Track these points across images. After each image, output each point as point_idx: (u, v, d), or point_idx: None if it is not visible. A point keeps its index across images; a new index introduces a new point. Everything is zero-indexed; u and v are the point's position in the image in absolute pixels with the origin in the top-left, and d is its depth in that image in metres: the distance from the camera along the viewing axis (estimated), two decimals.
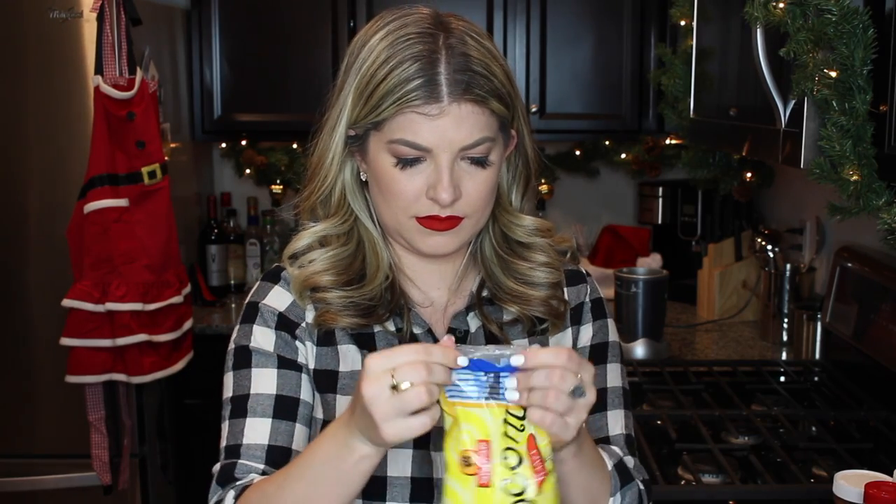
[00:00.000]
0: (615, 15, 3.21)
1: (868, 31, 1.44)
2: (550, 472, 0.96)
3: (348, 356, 1.20)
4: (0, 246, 2.76)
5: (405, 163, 1.11)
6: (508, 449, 0.94)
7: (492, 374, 0.95)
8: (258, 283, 1.25)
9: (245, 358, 1.19)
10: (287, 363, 1.18)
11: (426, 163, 1.11)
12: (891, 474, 1.46)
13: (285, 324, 1.19)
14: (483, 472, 0.93)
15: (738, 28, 1.97)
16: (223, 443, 1.17)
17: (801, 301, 2.74)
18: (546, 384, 0.94)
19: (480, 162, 1.12)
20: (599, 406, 1.24)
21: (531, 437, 0.95)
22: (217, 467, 1.16)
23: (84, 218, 2.54)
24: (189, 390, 3.00)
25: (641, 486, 1.22)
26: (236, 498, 1.10)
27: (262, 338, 1.19)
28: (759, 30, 1.73)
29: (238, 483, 1.12)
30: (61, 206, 2.66)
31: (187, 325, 2.77)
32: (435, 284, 1.25)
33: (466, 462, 0.94)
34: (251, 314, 1.21)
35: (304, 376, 1.19)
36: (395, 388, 0.92)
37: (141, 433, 2.82)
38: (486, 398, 0.95)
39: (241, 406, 1.17)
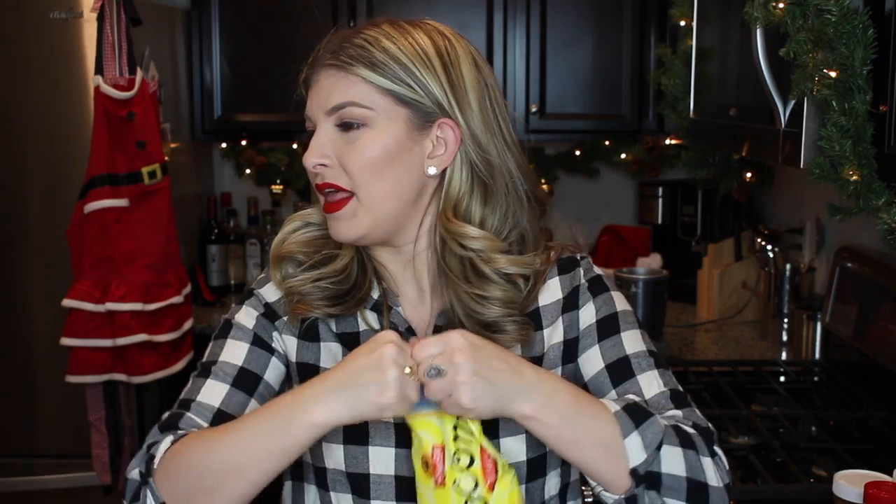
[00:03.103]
0: (615, 15, 3.21)
1: (868, 31, 1.44)
2: (504, 473, 1.05)
3: (330, 353, 1.23)
4: (0, 246, 2.76)
5: (310, 136, 1.18)
6: (461, 451, 1.04)
7: None
8: (263, 272, 1.31)
9: (225, 330, 1.25)
10: (261, 342, 1.23)
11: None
12: (891, 474, 1.46)
13: (270, 313, 1.25)
14: (438, 472, 1.04)
15: (738, 28, 1.97)
16: (180, 396, 1.21)
17: (801, 301, 2.74)
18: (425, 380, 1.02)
19: (346, 126, 1.14)
20: (626, 374, 1.19)
21: (481, 443, 1.05)
22: (165, 415, 1.18)
23: (84, 218, 2.54)
24: None
25: (683, 424, 1.12)
26: (174, 442, 1.10)
27: (246, 316, 1.25)
28: (758, 30, 1.73)
29: (179, 432, 1.13)
30: (61, 206, 2.66)
31: (187, 325, 2.77)
32: (413, 282, 1.25)
33: (426, 465, 1.05)
34: (246, 297, 1.28)
35: (276, 361, 1.23)
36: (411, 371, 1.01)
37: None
38: (437, 408, 1.04)
39: (206, 368, 1.22)
